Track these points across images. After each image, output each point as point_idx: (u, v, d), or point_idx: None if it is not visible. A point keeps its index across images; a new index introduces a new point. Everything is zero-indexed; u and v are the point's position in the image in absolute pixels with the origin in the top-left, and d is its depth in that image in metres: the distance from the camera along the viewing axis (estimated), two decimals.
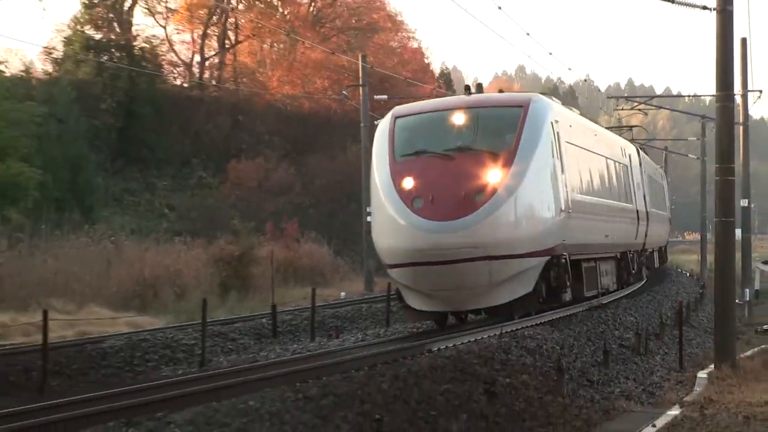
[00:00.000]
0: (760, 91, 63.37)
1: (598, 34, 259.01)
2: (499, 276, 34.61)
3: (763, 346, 38.63)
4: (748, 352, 35.57)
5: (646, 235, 57.21)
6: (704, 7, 31.16)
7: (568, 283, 38.00)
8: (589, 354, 31.80)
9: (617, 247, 49.59)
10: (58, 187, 68.16)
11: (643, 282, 59.17)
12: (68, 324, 28.68)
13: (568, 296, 38.95)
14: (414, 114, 38.63)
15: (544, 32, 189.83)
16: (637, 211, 54.52)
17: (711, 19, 30.98)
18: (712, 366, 32.02)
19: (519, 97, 43.01)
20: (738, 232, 37.33)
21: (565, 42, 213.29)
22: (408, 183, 34.64)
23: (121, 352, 30.99)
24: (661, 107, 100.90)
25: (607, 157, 48.35)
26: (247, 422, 17.98)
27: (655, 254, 67.25)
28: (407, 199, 34.45)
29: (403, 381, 22.95)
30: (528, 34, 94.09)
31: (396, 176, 35.01)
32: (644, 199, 57.77)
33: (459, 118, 36.52)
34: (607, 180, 48.09)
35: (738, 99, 46.81)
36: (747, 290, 57.69)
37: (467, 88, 40.29)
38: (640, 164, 59.29)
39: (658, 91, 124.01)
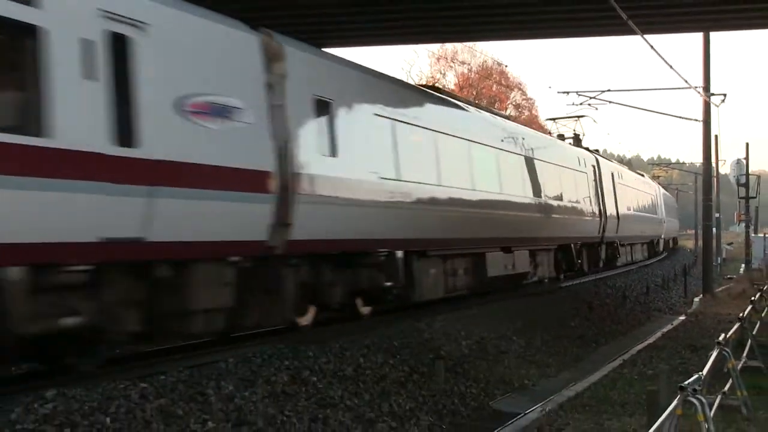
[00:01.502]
0: (724, 160, 61.84)
1: (646, 126, 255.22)
2: None
3: (726, 286, 37.36)
4: (719, 289, 34.51)
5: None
6: (696, 119, 30.98)
7: None
8: (638, 288, 31.27)
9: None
10: None
11: (664, 255, 57.50)
12: None
13: None
14: None
15: (616, 128, 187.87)
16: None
17: (699, 126, 30.77)
18: (702, 295, 31.39)
19: None
20: (714, 229, 36.64)
21: (626, 132, 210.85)
22: None
23: None
24: (675, 168, 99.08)
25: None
26: (473, 318, 17.74)
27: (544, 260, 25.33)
28: None
29: (546, 302, 22.96)
30: (608, 133, 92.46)
31: None
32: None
33: None
34: None
35: (713, 164, 45.54)
36: (719, 258, 55.52)
37: None
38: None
39: (673, 160, 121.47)
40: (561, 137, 34.43)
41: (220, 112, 10.97)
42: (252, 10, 15.78)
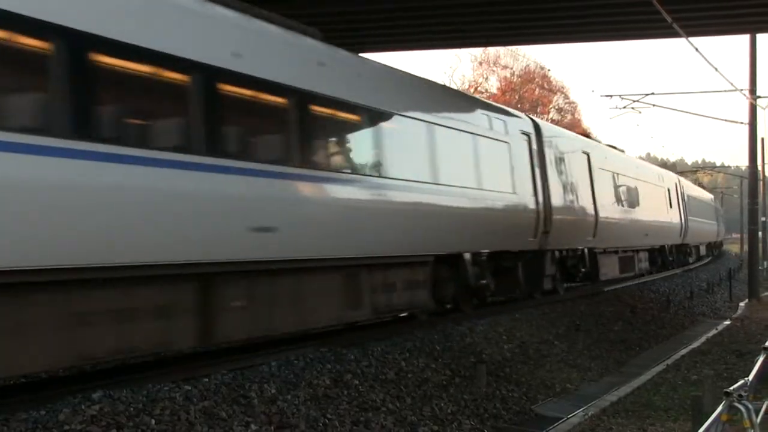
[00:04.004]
0: None
1: (690, 129, 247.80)
2: None
3: None
4: (766, 293, 34.09)
5: None
6: (742, 122, 30.63)
7: None
8: (682, 293, 30.87)
9: None
10: None
11: (710, 259, 56.55)
12: None
13: None
14: None
15: (660, 132, 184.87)
16: None
17: (745, 129, 30.48)
18: (747, 300, 30.99)
19: None
20: (760, 234, 36.13)
21: (670, 136, 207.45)
22: None
23: None
24: (720, 172, 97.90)
25: None
26: (515, 322, 17.59)
27: None
28: None
29: (590, 305, 22.80)
30: (652, 137, 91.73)
31: None
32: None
33: None
34: None
35: (759, 167, 45.12)
36: (765, 262, 54.91)
37: None
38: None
39: (718, 163, 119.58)
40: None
41: None
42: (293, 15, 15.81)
